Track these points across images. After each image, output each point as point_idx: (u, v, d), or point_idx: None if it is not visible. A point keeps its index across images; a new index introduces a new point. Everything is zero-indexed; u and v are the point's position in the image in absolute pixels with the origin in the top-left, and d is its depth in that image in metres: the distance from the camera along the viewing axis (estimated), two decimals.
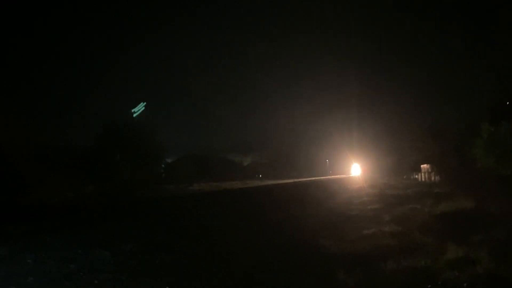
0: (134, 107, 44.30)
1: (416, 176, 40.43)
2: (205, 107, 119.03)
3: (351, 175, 73.52)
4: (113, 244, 9.23)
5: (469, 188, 17.60)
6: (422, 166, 38.72)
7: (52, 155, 28.84)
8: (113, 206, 22.24)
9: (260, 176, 74.12)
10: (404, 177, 44.22)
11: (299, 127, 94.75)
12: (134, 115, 42.59)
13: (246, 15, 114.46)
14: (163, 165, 54.38)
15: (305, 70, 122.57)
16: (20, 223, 13.97)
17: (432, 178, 33.67)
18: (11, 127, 26.52)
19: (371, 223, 11.31)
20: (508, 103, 25.95)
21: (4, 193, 22.93)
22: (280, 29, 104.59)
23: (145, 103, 45.13)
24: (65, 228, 12.78)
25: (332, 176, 75.28)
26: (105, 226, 13.18)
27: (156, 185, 39.62)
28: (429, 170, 36.16)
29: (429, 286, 5.61)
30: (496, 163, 14.97)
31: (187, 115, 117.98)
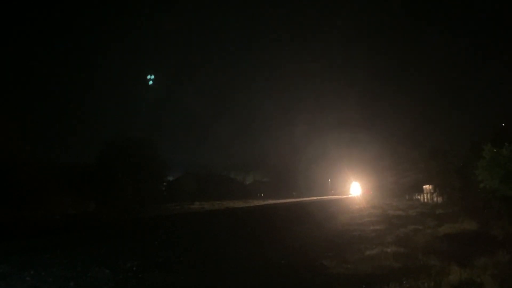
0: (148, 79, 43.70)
1: (419, 197, 40.16)
2: (207, 126, 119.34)
3: (352, 195, 73.06)
4: (114, 262, 9.16)
5: (472, 210, 17.48)
6: (424, 186, 38.48)
7: (54, 173, 28.86)
8: (114, 223, 22.14)
9: (262, 195, 73.84)
10: (406, 197, 43.93)
11: (299, 146, 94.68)
12: (150, 82, 42.20)
13: (246, 36, 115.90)
14: (164, 183, 54.37)
15: (305, 89, 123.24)
16: (21, 240, 13.92)
17: (435, 199, 33.44)
18: (13, 145, 26.64)
19: (373, 244, 11.21)
20: (503, 125, 25.98)
21: (6, 210, 22.89)
22: (280, 48, 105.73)
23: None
24: (66, 245, 12.71)
25: (334, 196, 74.91)
26: (105, 243, 13.10)
27: (157, 203, 39.53)
28: (432, 191, 35.93)
29: None
30: (499, 185, 14.85)
31: (189, 133, 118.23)
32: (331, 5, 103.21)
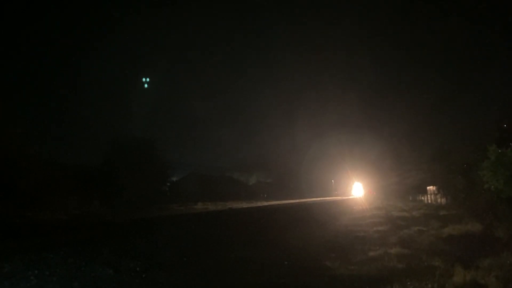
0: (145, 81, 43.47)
1: (422, 198, 40.03)
2: (210, 127, 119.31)
3: (354, 196, 72.87)
4: (117, 262, 9.18)
5: (476, 211, 17.40)
6: (428, 187, 38.33)
7: (59, 173, 28.96)
8: (117, 223, 22.18)
9: (265, 196, 73.86)
10: (410, 198, 43.81)
11: (302, 147, 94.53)
12: (146, 85, 42.11)
13: (248, 37, 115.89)
14: (168, 183, 54.47)
15: (308, 89, 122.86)
16: (24, 239, 13.97)
17: (439, 200, 33.30)
18: (17, 144, 26.73)
19: (377, 245, 11.19)
20: (505, 125, 25.87)
21: (10, 210, 22.97)
22: (282, 49, 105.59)
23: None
24: (70, 245, 12.74)
25: (337, 197, 74.81)
26: (109, 243, 13.12)
27: (161, 203, 39.60)
28: (435, 192, 35.78)
29: None
30: (504, 186, 14.78)
31: (192, 134, 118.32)
32: (333, 3, 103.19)
